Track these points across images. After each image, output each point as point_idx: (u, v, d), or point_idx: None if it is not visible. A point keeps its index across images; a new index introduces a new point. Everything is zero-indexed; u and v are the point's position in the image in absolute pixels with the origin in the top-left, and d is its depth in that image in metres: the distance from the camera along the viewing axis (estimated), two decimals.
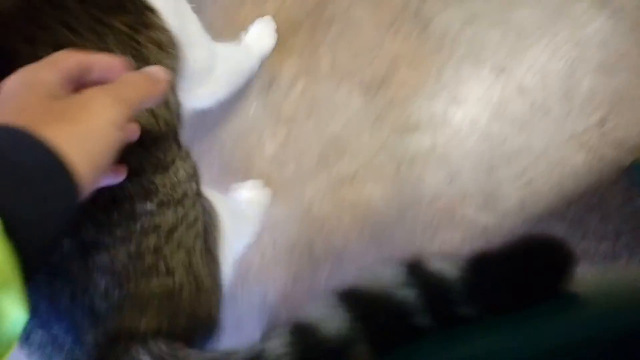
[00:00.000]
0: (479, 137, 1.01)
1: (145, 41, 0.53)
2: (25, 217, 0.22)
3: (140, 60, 0.50)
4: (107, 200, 0.43)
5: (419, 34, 1.02)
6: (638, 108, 0.98)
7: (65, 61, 0.29)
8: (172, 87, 0.57)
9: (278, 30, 1.04)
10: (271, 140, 1.05)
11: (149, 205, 0.46)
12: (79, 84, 0.30)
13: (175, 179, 0.50)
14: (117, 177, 0.38)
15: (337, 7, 1.02)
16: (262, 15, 1.05)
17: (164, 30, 0.56)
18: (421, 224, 1.02)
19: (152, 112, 0.50)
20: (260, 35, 1.02)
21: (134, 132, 0.37)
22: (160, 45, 0.55)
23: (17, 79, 0.28)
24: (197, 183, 0.57)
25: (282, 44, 1.05)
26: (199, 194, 0.57)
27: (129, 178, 0.41)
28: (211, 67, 0.73)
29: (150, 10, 0.55)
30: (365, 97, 1.03)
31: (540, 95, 0.99)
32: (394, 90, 1.03)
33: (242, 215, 0.92)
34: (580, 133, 0.99)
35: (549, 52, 0.99)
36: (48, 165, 0.24)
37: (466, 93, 1.02)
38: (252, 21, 1.03)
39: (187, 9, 0.66)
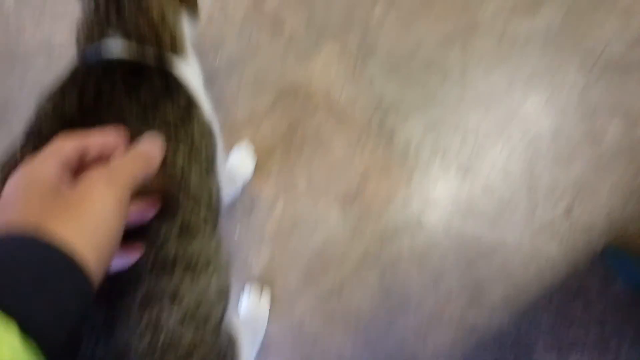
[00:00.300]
0: (454, 236, 1.07)
1: (194, 128, 0.58)
2: (42, 319, 0.23)
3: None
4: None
5: (385, 145, 1.09)
6: (599, 194, 1.03)
7: (62, 150, 0.31)
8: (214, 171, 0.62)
9: (255, 156, 1.12)
10: (257, 261, 1.10)
11: (174, 313, 0.41)
12: (79, 166, 0.32)
13: (203, 294, 0.46)
14: (131, 256, 0.38)
15: (307, 129, 1.11)
16: (239, 141, 1.13)
17: (205, 119, 0.62)
18: (412, 329, 1.05)
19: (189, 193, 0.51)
20: (241, 162, 1.10)
21: (151, 210, 0.39)
22: (202, 134, 0.60)
23: (19, 177, 0.29)
24: (224, 309, 0.51)
25: (259, 167, 1.12)
26: (221, 322, 0.51)
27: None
28: None
29: (195, 104, 0.61)
30: (343, 210, 1.09)
31: (506, 192, 1.06)
32: (369, 200, 1.09)
33: (249, 333, 0.95)
34: (549, 223, 1.04)
35: (507, 151, 1.06)
36: (60, 264, 0.25)
37: (437, 195, 1.08)
38: (230, 148, 1.11)
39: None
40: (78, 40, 0.62)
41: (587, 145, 1.04)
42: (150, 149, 0.36)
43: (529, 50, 1.06)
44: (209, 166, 0.62)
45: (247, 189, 1.11)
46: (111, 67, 0.56)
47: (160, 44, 0.61)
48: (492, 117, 1.06)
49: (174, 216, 0.47)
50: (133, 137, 0.41)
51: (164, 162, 0.39)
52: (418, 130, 1.08)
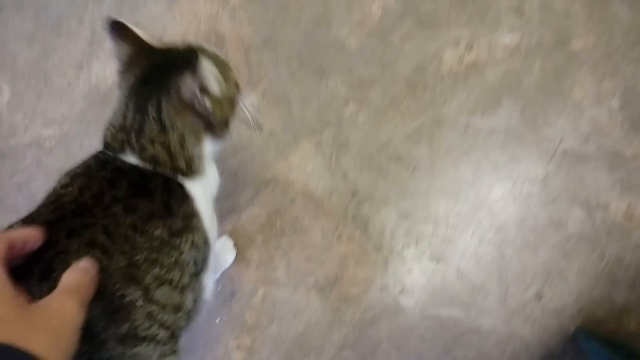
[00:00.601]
0: (431, 320, 1.11)
1: (184, 243, 0.62)
2: None
3: (162, 256, 0.59)
4: None
5: (361, 234, 1.16)
6: (567, 278, 1.08)
7: None
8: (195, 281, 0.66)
9: (236, 245, 1.18)
10: (237, 349, 1.14)
11: None
12: (9, 259, 0.39)
13: None
14: None
15: (285, 220, 1.17)
16: (220, 232, 1.19)
17: (202, 232, 0.67)
18: None
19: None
20: (221, 251, 1.15)
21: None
22: (195, 246, 0.64)
23: None
24: None
25: (240, 256, 1.18)
26: None
27: None
28: None
29: (196, 215, 0.66)
30: (322, 297, 1.14)
31: (479, 277, 1.11)
32: (347, 286, 1.14)
33: None
34: (521, 307, 1.09)
35: (477, 238, 1.12)
36: None
37: (412, 281, 1.13)
38: None
39: (214, 215, 0.77)
40: (105, 135, 0.66)
41: (553, 231, 1.11)
42: (89, 266, 0.44)
43: (491, 143, 1.15)
44: (197, 270, 0.67)
45: (228, 278, 1.16)
46: (122, 171, 0.61)
47: (174, 169, 0.65)
48: (462, 206, 1.13)
49: (123, 321, 0.53)
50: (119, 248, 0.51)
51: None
52: (392, 219, 1.15)
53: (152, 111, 0.63)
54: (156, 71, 0.64)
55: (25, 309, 0.35)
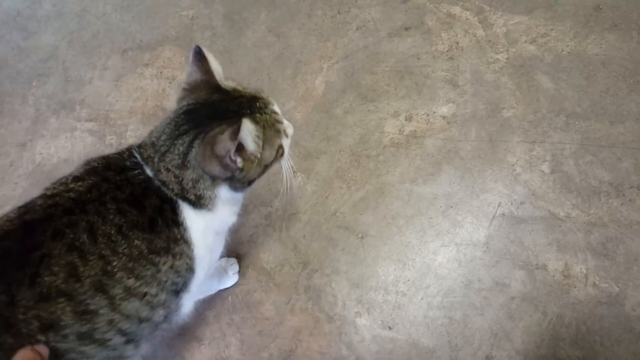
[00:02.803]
0: None
1: (162, 264, 0.67)
2: None
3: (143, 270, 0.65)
4: None
5: (314, 305, 1.22)
6: (514, 339, 1.18)
7: None
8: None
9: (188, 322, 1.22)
10: None
11: None
12: None
13: None
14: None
15: (236, 295, 1.23)
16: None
17: (187, 258, 0.71)
18: None
19: None
20: (223, 272, 1.20)
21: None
22: (175, 270, 0.69)
23: None
24: None
25: (191, 335, 1.22)
26: None
27: None
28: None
29: (186, 242, 0.70)
30: None
31: (430, 341, 1.18)
32: (302, 358, 1.19)
33: None
34: None
35: (426, 303, 1.21)
36: None
37: (366, 349, 1.19)
38: None
39: (218, 245, 0.82)
40: (145, 138, 0.73)
41: (497, 292, 1.21)
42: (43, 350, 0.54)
43: (434, 209, 1.26)
44: (177, 289, 0.73)
45: (180, 357, 1.20)
46: (132, 180, 0.68)
47: (183, 197, 0.71)
48: (410, 272, 1.23)
49: (87, 322, 0.62)
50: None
51: None
52: (343, 288, 1.23)
53: (181, 145, 0.69)
54: (206, 110, 0.70)
55: None
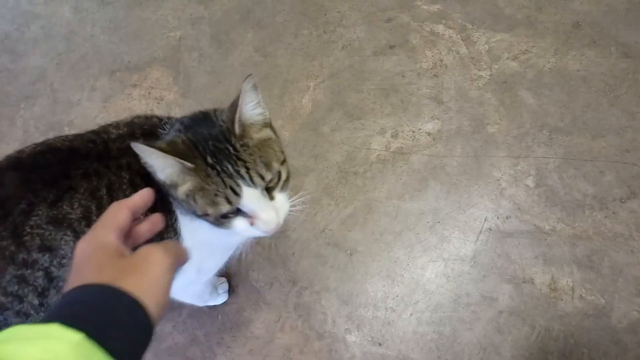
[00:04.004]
0: None
1: None
2: (125, 350, 0.34)
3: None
4: None
5: (303, 322, 1.25)
6: (503, 353, 1.21)
7: (117, 219, 0.44)
8: None
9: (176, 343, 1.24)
10: None
11: None
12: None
13: None
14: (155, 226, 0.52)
15: (226, 313, 1.25)
16: (161, 328, 1.25)
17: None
18: None
19: None
20: (213, 290, 1.21)
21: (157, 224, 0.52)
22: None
23: (89, 243, 0.42)
24: None
25: (181, 355, 1.24)
26: None
27: None
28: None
29: (175, 231, 0.72)
30: None
31: (419, 356, 1.21)
32: None
33: None
34: None
35: (415, 319, 1.24)
36: (134, 310, 0.37)
37: None
38: None
39: (218, 251, 0.84)
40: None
41: (485, 306, 1.24)
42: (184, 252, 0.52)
43: (421, 224, 1.29)
44: None
45: None
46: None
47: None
48: (398, 288, 1.26)
49: None
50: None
51: None
52: (333, 305, 1.26)
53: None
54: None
55: (118, 259, 0.41)
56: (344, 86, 1.42)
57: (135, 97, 1.43)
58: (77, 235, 0.66)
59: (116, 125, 0.75)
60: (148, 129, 0.74)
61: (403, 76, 1.43)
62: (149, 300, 0.38)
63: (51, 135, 1.39)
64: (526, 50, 1.44)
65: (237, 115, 0.64)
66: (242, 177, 0.62)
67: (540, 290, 1.23)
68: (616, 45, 1.43)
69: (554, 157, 1.32)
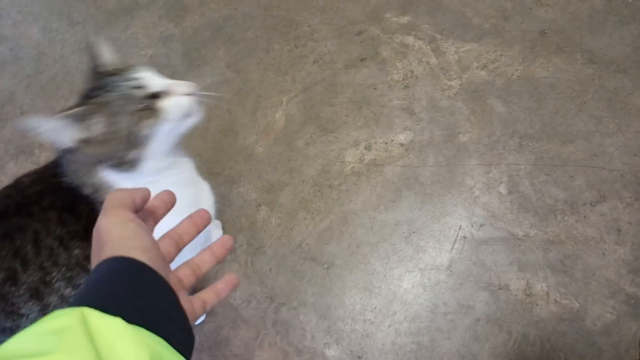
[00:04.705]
0: None
1: None
2: (178, 338, 0.33)
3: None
4: None
5: (282, 338, 1.25)
6: None
7: (123, 200, 0.41)
8: None
9: None
10: None
11: None
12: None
13: None
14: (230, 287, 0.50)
15: (204, 332, 1.25)
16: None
17: None
18: None
19: None
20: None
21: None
22: None
23: (105, 222, 0.38)
24: None
25: None
26: None
27: None
28: None
29: None
30: None
31: None
32: None
33: None
34: None
35: (393, 330, 1.25)
36: (176, 305, 0.36)
37: None
38: None
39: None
40: None
41: (462, 315, 1.26)
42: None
43: (397, 235, 1.31)
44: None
45: None
46: (63, 186, 0.71)
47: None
48: (376, 300, 1.27)
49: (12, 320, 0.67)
50: None
51: None
52: (311, 319, 1.26)
53: None
54: None
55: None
56: (316, 100, 1.44)
57: None
58: (4, 297, 0.66)
59: (27, 173, 0.76)
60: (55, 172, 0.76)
61: (375, 88, 1.45)
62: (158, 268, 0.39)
63: (21, 158, 1.39)
64: (494, 59, 1.48)
65: None
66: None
67: (516, 296, 1.25)
68: (581, 51, 1.47)
69: (525, 164, 1.35)
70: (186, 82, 0.77)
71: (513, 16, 1.54)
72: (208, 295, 0.48)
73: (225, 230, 1.31)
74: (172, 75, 1.53)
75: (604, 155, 1.34)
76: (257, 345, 1.23)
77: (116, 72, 0.75)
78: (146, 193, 0.44)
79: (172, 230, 0.48)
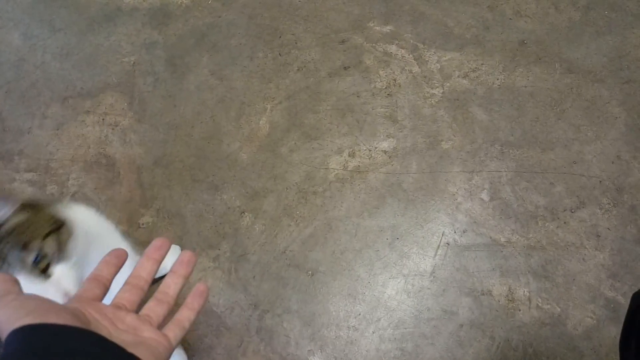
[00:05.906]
0: None
1: None
2: None
3: None
4: None
5: (266, 346, 1.25)
6: None
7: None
8: None
9: None
10: None
11: None
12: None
13: None
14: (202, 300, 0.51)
15: (186, 344, 1.25)
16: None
17: None
18: None
19: None
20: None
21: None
22: None
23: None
24: None
25: None
26: None
27: None
28: None
29: None
30: None
31: None
32: None
33: None
34: None
35: (378, 336, 1.26)
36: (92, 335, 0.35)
37: None
38: None
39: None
40: None
41: (446, 321, 1.28)
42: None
43: (381, 241, 1.33)
44: None
45: None
46: None
47: None
48: (360, 306, 1.28)
49: None
50: None
51: None
52: (295, 326, 1.27)
53: None
54: None
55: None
56: (300, 107, 1.47)
57: (89, 124, 1.43)
58: None
59: None
60: None
61: (358, 96, 1.48)
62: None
63: (0, 165, 1.38)
64: (476, 68, 1.52)
65: None
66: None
67: (499, 301, 1.28)
68: (560, 61, 1.52)
69: (506, 171, 1.39)
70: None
71: (493, 26, 1.58)
72: (181, 315, 0.49)
73: (208, 238, 1.32)
74: (155, 82, 1.54)
75: (582, 162, 1.38)
76: (241, 353, 1.23)
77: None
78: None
79: (92, 272, 0.48)
